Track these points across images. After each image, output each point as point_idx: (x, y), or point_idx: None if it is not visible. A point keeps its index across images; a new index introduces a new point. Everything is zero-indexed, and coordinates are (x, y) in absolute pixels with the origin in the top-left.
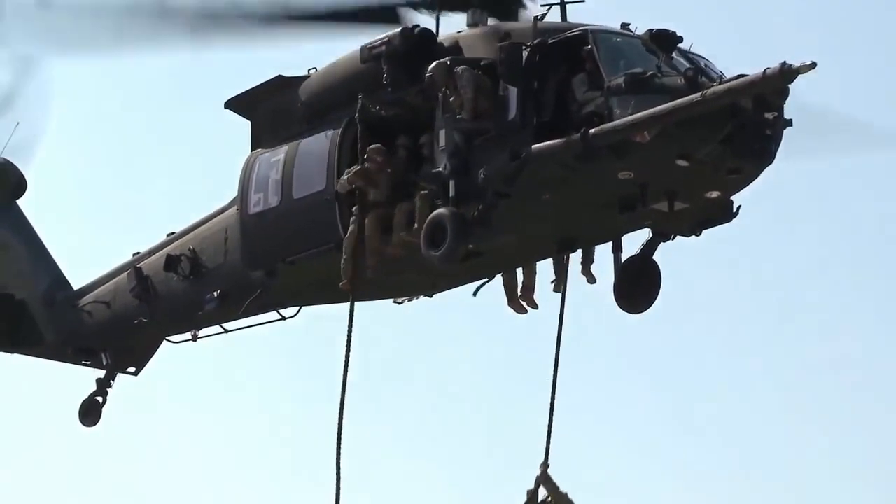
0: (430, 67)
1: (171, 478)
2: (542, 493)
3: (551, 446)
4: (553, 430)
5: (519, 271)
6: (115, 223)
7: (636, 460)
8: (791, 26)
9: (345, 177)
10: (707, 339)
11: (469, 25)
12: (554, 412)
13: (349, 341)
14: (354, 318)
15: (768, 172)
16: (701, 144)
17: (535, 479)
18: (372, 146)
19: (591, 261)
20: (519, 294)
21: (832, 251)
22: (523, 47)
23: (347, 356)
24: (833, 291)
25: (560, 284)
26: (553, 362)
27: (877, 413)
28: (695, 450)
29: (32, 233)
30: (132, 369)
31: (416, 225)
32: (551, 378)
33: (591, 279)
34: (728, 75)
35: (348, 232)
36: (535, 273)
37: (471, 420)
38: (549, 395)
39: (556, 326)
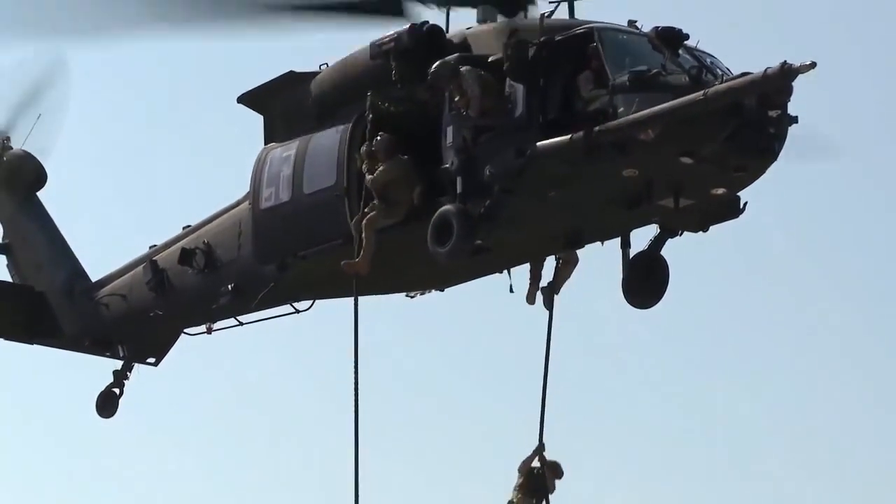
0: (434, 67)
1: (184, 470)
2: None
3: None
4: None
5: None
6: (133, 215)
7: (639, 455)
8: (798, 22)
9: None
10: (713, 335)
11: (479, 22)
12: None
13: (356, 336)
14: (368, 313)
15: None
16: (704, 142)
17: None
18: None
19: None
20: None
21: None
22: (530, 44)
23: (356, 353)
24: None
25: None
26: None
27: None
28: (696, 445)
29: (52, 225)
30: (152, 360)
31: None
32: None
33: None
34: (735, 72)
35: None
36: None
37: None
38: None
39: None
